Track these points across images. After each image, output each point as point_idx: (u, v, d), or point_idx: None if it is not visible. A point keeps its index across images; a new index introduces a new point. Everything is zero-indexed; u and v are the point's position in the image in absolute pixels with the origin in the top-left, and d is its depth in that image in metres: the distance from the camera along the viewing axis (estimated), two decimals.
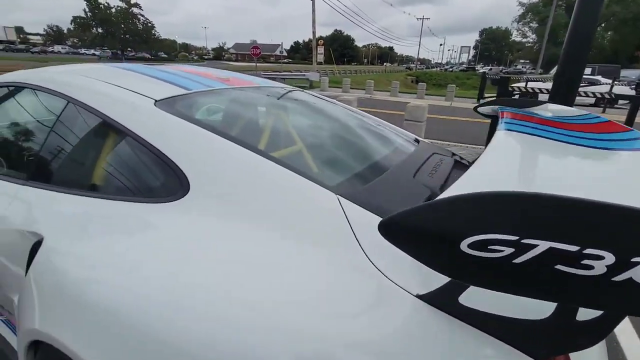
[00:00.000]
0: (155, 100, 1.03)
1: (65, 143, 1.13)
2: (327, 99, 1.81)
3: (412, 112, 5.06)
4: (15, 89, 1.36)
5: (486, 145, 1.06)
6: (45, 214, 0.98)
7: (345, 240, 0.72)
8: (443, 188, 0.99)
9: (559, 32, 33.55)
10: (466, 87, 27.77)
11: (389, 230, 0.53)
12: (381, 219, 0.74)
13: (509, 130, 1.03)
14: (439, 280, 0.61)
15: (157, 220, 0.83)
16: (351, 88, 16.46)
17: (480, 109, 1.62)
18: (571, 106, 3.57)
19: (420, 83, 17.14)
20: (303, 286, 0.67)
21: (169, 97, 1.08)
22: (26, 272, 0.89)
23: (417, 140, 1.57)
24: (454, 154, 1.46)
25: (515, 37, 60.85)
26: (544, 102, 1.52)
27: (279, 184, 0.82)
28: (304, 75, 18.21)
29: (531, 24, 47.82)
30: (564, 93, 3.35)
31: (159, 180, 0.91)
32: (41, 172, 1.13)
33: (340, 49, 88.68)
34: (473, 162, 1.57)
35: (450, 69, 68.11)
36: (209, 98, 1.27)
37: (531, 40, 51.17)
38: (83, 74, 1.22)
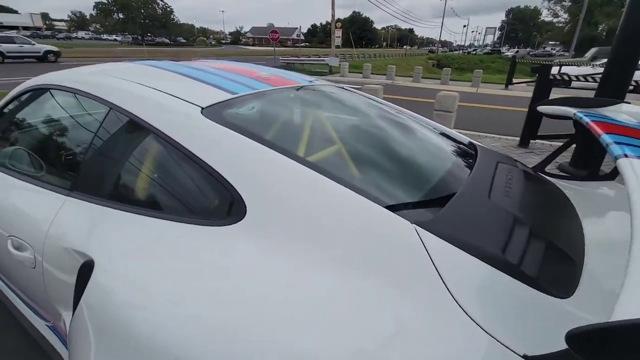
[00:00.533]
0: (202, 108, 0.95)
1: (111, 153, 1.06)
2: (372, 97, 1.69)
3: (442, 102, 4.83)
4: (55, 91, 1.31)
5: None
6: (94, 232, 0.91)
7: (429, 281, 0.63)
8: (525, 211, 0.87)
9: (594, 11, 31.42)
10: (491, 71, 26.57)
11: (587, 344, 0.40)
12: (465, 253, 0.64)
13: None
14: (551, 338, 0.51)
15: (213, 247, 0.76)
16: (372, 73, 16.04)
17: (542, 109, 1.46)
18: (623, 96, 3.29)
19: (444, 68, 16.46)
20: (381, 336, 0.58)
21: (215, 104, 0.99)
22: (75, 294, 0.85)
23: (472, 145, 1.43)
24: (516, 161, 1.33)
25: (545, 16, 57.75)
26: (619, 102, 1.35)
27: (348, 211, 0.73)
28: (324, 60, 17.83)
29: (563, 3, 45.06)
30: (617, 80, 3.07)
31: (213, 201, 0.83)
32: (85, 184, 1.07)
33: (358, 31, 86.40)
34: (537, 169, 1.42)
35: (474, 52, 65.28)
36: (255, 103, 1.15)
37: (563, 20, 48.33)
38: (122, 77, 1.15)
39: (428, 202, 0.84)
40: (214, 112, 0.94)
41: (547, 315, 0.61)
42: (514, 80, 13.05)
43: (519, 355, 0.53)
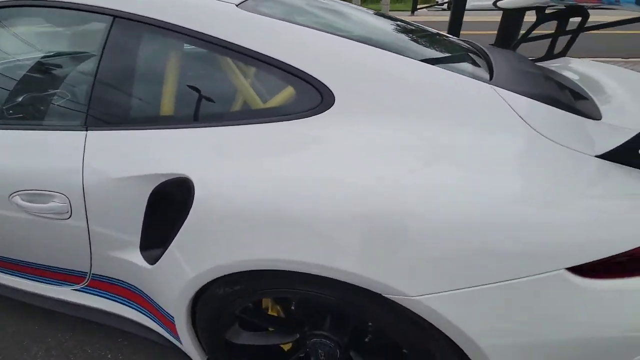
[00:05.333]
0: (236, 5, 0.90)
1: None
2: None
3: None
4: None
5: None
6: (184, 151, 0.86)
7: (513, 125, 0.73)
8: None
9: None
10: None
11: None
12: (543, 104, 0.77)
13: None
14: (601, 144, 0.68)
15: (305, 136, 0.80)
16: None
17: None
18: None
19: None
20: (489, 180, 0.67)
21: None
22: (146, 224, 0.88)
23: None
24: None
25: None
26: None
27: (427, 79, 0.80)
28: None
29: None
30: None
31: (294, 95, 0.85)
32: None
33: None
34: None
35: None
36: None
37: None
38: None
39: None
40: (249, 6, 0.91)
41: (596, 130, 0.78)
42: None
43: (593, 156, 0.67)
